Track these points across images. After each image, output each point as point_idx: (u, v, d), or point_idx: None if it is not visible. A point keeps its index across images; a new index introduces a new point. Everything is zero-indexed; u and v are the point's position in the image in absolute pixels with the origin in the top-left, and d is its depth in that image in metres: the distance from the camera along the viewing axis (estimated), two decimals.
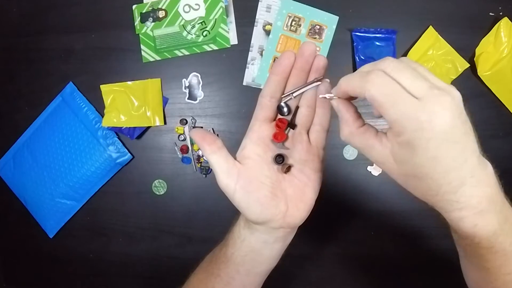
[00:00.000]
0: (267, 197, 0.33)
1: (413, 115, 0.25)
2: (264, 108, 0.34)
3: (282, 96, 0.34)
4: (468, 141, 0.26)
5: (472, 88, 0.64)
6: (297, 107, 0.35)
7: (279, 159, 0.35)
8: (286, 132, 0.35)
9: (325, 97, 0.33)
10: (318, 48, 0.64)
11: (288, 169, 0.35)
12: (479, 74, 0.62)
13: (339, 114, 0.32)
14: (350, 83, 0.29)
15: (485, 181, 0.28)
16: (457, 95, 0.26)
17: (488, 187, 0.28)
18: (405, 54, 0.63)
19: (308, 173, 0.35)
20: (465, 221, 0.28)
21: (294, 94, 0.34)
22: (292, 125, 0.35)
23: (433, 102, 0.25)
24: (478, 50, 0.62)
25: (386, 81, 0.26)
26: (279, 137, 0.34)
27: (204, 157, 0.67)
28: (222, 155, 0.33)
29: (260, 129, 0.35)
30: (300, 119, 0.35)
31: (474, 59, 0.62)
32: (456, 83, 0.63)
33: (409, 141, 0.26)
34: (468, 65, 0.63)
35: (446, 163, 0.26)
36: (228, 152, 0.34)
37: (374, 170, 0.65)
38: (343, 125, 0.31)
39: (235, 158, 0.34)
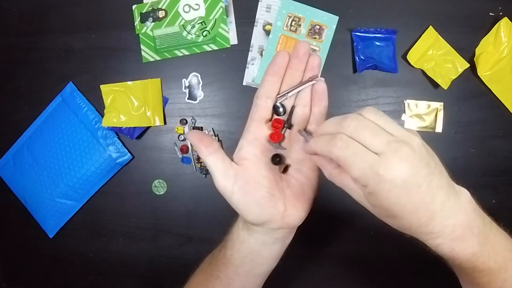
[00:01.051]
0: (265, 198, 0.33)
1: (373, 171, 0.27)
2: (260, 109, 0.34)
3: (277, 96, 0.34)
4: (432, 181, 0.28)
5: (472, 88, 0.64)
6: (293, 107, 0.35)
7: (276, 159, 0.34)
8: (282, 132, 0.35)
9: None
10: (318, 48, 0.64)
11: (285, 169, 0.35)
12: (479, 74, 0.62)
13: (315, 162, 0.34)
14: (317, 146, 0.31)
15: (458, 210, 0.30)
16: (415, 143, 0.28)
17: (463, 215, 0.30)
18: (405, 54, 0.63)
19: (306, 172, 0.35)
20: (442, 247, 0.30)
21: (289, 94, 0.34)
22: (288, 125, 0.35)
23: (390, 156, 0.27)
24: (478, 50, 0.62)
25: (347, 144, 0.28)
26: (276, 137, 0.34)
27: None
28: (219, 157, 0.33)
29: (257, 129, 0.35)
30: (297, 118, 0.35)
31: (474, 59, 0.62)
32: (456, 83, 0.63)
33: (374, 192, 0.28)
34: (468, 65, 0.63)
35: (412, 206, 0.28)
36: (225, 154, 0.34)
37: None
38: (322, 169, 0.33)
39: (232, 160, 0.34)
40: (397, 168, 0.27)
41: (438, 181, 0.29)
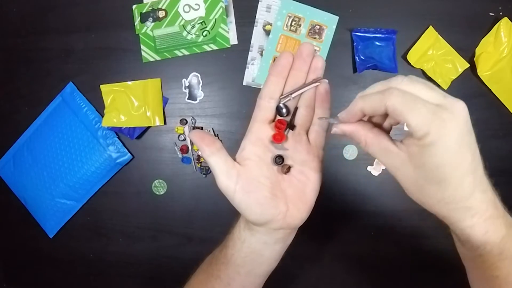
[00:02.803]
0: (267, 198, 0.33)
1: (436, 116, 0.26)
2: (263, 109, 0.34)
3: (281, 97, 0.34)
4: (477, 149, 0.28)
5: (472, 88, 0.64)
6: (296, 108, 0.35)
7: (279, 159, 0.34)
8: (285, 133, 0.35)
9: (327, 121, 0.34)
10: (318, 48, 0.64)
11: (288, 169, 0.35)
12: (479, 74, 0.62)
13: (348, 133, 0.32)
14: (367, 99, 0.29)
15: (488, 187, 0.29)
16: (465, 107, 0.27)
17: (490, 192, 0.29)
18: (405, 54, 0.63)
19: (308, 173, 0.35)
20: (476, 228, 0.29)
21: (293, 95, 0.34)
22: (291, 126, 0.35)
23: (452, 104, 0.26)
24: (478, 50, 0.62)
25: (404, 92, 0.27)
26: (279, 138, 0.34)
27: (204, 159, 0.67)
28: (221, 156, 0.33)
29: (259, 130, 0.35)
30: (299, 119, 0.35)
31: (474, 59, 0.62)
32: (456, 83, 0.63)
33: (433, 142, 0.26)
34: (468, 65, 0.63)
35: (465, 165, 0.27)
36: (227, 153, 0.33)
37: (374, 170, 0.65)
38: (356, 139, 0.32)
39: (234, 160, 0.34)
40: (461, 116, 0.26)
41: (477, 153, 0.28)
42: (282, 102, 0.34)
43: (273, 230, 0.34)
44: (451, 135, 0.26)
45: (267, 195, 0.33)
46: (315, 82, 0.34)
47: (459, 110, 0.27)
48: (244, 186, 0.32)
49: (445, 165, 0.27)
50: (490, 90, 0.63)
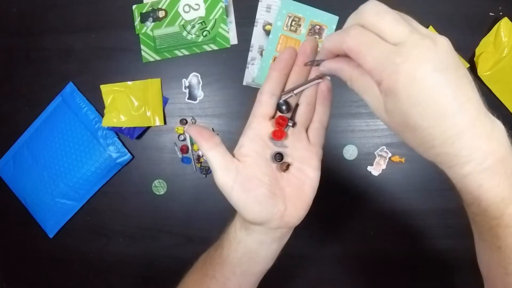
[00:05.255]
0: (265, 196, 0.32)
1: (389, 60, 0.24)
2: (264, 105, 0.34)
3: (283, 93, 0.34)
4: (460, 87, 0.25)
5: None
6: (297, 105, 0.35)
7: (278, 157, 0.34)
8: (285, 130, 0.35)
9: (311, 65, 0.33)
10: (318, 49, 0.64)
11: (287, 167, 0.34)
12: (479, 74, 0.62)
13: (333, 71, 0.31)
14: (330, 39, 0.28)
15: (492, 137, 0.25)
16: (441, 42, 0.25)
17: (496, 143, 0.25)
18: None
19: (306, 171, 0.35)
20: (469, 179, 0.26)
21: (295, 92, 0.34)
22: (292, 123, 0.35)
23: (410, 46, 0.24)
24: (478, 50, 0.62)
25: (363, 31, 0.26)
26: (279, 134, 0.33)
27: (203, 157, 0.67)
28: (219, 151, 0.32)
29: (259, 126, 0.34)
30: (300, 116, 0.35)
31: (474, 59, 0.62)
32: None
33: (389, 88, 0.25)
34: (468, 65, 0.63)
35: (435, 110, 0.24)
36: (226, 149, 0.33)
37: (374, 170, 0.65)
38: (341, 75, 0.30)
39: (233, 155, 0.33)
40: (418, 58, 0.24)
41: (468, 91, 0.25)
42: (283, 99, 0.34)
43: (270, 229, 0.34)
44: (407, 80, 0.24)
45: (266, 193, 0.32)
46: (317, 79, 0.33)
47: (422, 48, 0.24)
48: (243, 183, 0.32)
49: (409, 112, 0.25)
50: (490, 90, 0.63)
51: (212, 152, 0.32)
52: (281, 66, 0.33)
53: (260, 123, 0.34)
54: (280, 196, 0.33)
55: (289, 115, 0.35)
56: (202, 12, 0.65)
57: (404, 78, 0.24)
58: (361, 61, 0.26)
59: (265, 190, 0.32)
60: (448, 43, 0.26)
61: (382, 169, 0.65)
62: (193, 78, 0.67)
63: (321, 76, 0.33)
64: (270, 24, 0.65)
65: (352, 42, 0.26)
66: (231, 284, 0.37)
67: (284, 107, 0.34)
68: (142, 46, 0.67)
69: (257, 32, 0.65)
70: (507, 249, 0.27)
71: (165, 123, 0.67)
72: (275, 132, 0.34)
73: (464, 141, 0.25)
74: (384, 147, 0.65)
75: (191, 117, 0.67)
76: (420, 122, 0.25)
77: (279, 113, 0.35)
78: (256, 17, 0.65)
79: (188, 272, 0.42)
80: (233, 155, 0.33)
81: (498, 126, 0.26)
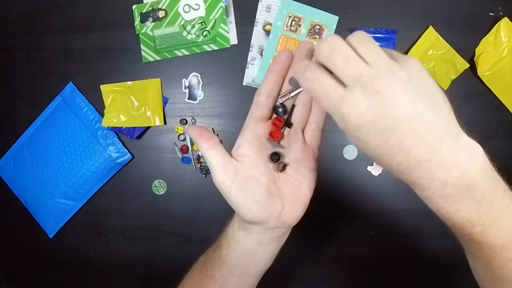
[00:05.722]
0: (263, 195, 0.33)
1: (336, 108, 0.26)
2: (261, 107, 0.34)
3: (280, 95, 0.34)
4: (414, 124, 0.25)
5: (472, 88, 0.64)
6: (293, 106, 0.35)
7: (275, 157, 0.34)
8: (282, 130, 0.35)
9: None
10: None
11: (283, 167, 0.35)
12: (479, 74, 0.62)
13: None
14: (294, 75, 0.30)
15: (454, 166, 0.26)
16: (398, 76, 0.25)
17: (459, 172, 0.26)
18: (405, 54, 0.63)
19: (303, 172, 0.35)
20: (430, 202, 0.27)
21: (292, 94, 0.34)
22: (288, 123, 0.35)
23: (356, 92, 0.25)
24: (478, 50, 0.62)
25: (314, 76, 0.27)
26: (275, 135, 0.34)
27: (203, 157, 0.67)
28: (218, 152, 0.32)
29: (256, 127, 0.34)
30: (296, 117, 0.35)
31: (474, 59, 0.62)
32: (456, 83, 0.63)
33: (343, 130, 0.27)
34: (468, 65, 0.63)
35: (386, 149, 0.26)
36: (225, 149, 0.33)
37: (374, 170, 0.65)
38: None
39: (231, 156, 0.34)
40: (361, 106, 0.25)
41: (427, 125, 0.25)
42: (280, 101, 0.34)
43: (268, 229, 0.34)
44: (354, 126, 0.25)
45: (263, 193, 0.33)
46: None
47: (369, 93, 0.25)
48: (241, 183, 0.32)
49: (362, 149, 0.27)
50: (490, 90, 0.63)
51: (211, 152, 0.32)
52: (278, 68, 0.33)
53: (257, 124, 0.34)
54: (277, 196, 0.34)
55: (285, 116, 0.35)
56: (202, 12, 0.65)
57: (351, 126, 0.26)
58: (319, 105, 0.28)
59: (263, 190, 0.33)
60: (412, 70, 0.26)
61: (382, 169, 0.65)
62: (193, 78, 0.67)
63: None
64: (270, 24, 0.65)
65: (306, 86, 0.28)
66: (230, 284, 0.37)
67: (280, 110, 0.34)
68: (142, 46, 0.67)
69: (257, 32, 0.65)
70: (486, 260, 0.29)
71: (165, 123, 0.67)
72: (272, 133, 0.34)
73: (420, 173, 0.26)
74: None
75: (191, 117, 0.67)
76: (373, 157, 0.27)
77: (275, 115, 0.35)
78: (256, 17, 0.65)
79: (187, 273, 0.42)
80: (231, 156, 0.34)
81: (468, 152, 0.27)
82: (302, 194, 0.35)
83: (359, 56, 0.26)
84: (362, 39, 0.27)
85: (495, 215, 0.27)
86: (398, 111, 0.25)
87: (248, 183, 0.32)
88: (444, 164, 0.26)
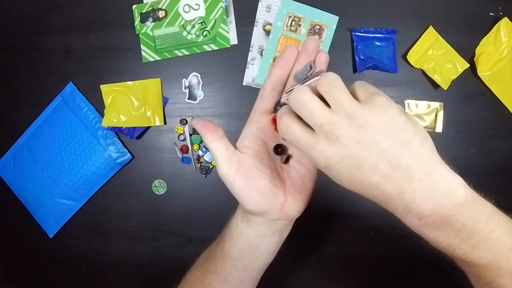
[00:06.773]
0: (266, 187, 0.33)
1: (309, 153, 0.28)
2: (265, 100, 0.35)
3: (285, 92, 0.35)
4: (380, 162, 0.26)
5: (472, 88, 0.64)
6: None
7: (279, 149, 0.35)
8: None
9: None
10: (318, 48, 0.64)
11: (287, 159, 0.36)
12: (479, 74, 0.62)
13: None
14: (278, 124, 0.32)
15: (428, 199, 0.27)
16: (360, 121, 0.26)
17: (435, 205, 0.27)
18: (405, 54, 0.63)
19: (306, 164, 0.36)
20: (412, 227, 0.29)
21: None
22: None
23: (321, 139, 0.27)
24: (478, 50, 0.62)
25: (287, 128, 0.29)
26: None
27: (203, 157, 0.67)
28: (223, 143, 0.33)
29: (260, 119, 0.35)
30: None
31: (474, 59, 0.62)
32: (456, 83, 0.63)
33: (320, 169, 0.29)
34: (468, 65, 0.63)
35: (360, 186, 0.28)
36: (229, 141, 0.34)
37: None
38: None
39: (235, 148, 0.34)
40: (327, 152, 0.27)
41: (392, 162, 0.26)
42: (284, 98, 0.35)
43: (271, 220, 0.34)
44: (327, 168, 0.28)
45: (267, 184, 0.33)
46: (317, 76, 0.34)
47: (331, 139, 0.27)
48: (245, 173, 0.33)
49: (341, 184, 0.29)
50: (490, 90, 0.63)
51: (216, 144, 0.33)
52: (283, 63, 0.34)
53: (261, 116, 0.35)
54: (280, 187, 0.34)
55: None
56: (202, 12, 0.65)
57: (324, 167, 0.28)
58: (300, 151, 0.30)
59: (266, 181, 0.33)
60: (376, 112, 0.27)
61: None
62: (193, 78, 0.67)
63: (321, 73, 0.34)
64: (270, 24, 0.65)
65: (282, 135, 0.30)
66: (232, 279, 0.37)
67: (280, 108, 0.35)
68: (142, 46, 0.67)
69: (257, 32, 0.65)
70: (475, 274, 0.30)
71: (165, 123, 0.67)
72: (275, 120, 0.35)
73: (395, 204, 0.28)
74: None
75: (191, 117, 0.67)
76: (352, 189, 0.29)
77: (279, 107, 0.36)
78: (256, 17, 0.65)
79: (190, 269, 0.42)
80: (236, 147, 0.34)
81: (445, 185, 0.27)
82: (305, 186, 0.35)
83: (327, 100, 0.28)
84: (328, 84, 0.28)
85: (477, 241, 0.28)
86: (359, 153, 0.26)
87: (252, 174, 0.33)
88: (416, 198, 0.27)
